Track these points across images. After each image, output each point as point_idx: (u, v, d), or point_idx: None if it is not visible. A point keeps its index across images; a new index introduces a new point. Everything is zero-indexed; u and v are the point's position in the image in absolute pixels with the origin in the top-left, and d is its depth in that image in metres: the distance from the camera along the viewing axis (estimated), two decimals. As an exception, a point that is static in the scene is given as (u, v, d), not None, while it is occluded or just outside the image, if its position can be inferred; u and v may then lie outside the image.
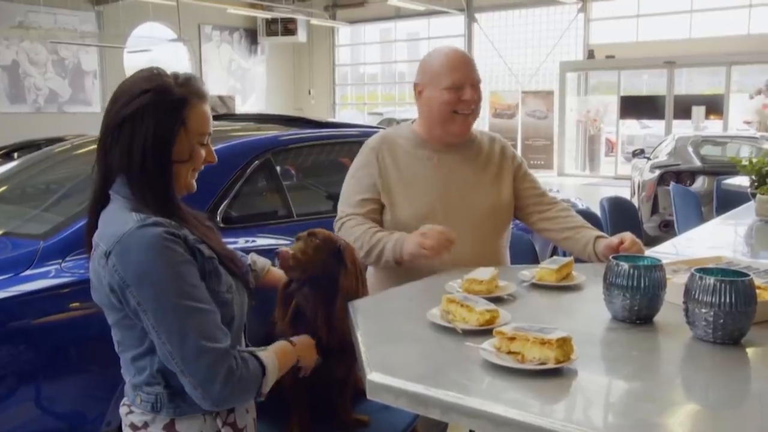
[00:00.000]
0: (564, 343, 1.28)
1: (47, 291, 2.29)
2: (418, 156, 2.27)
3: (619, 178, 14.52)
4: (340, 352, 1.73)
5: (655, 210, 7.41)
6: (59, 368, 2.25)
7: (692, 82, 16.15)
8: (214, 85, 18.05)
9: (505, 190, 2.31)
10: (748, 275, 1.44)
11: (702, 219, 4.95)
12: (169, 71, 1.50)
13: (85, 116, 15.61)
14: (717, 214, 4.99)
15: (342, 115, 20.02)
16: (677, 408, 1.20)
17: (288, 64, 20.01)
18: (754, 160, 3.49)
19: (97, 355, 2.34)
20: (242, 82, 19.03)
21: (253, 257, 1.88)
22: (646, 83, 17.08)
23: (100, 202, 1.47)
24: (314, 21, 18.47)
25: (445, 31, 18.49)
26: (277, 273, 1.88)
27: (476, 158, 2.31)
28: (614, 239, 2.11)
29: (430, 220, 2.16)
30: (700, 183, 7.08)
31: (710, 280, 1.41)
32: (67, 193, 3.10)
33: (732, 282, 1.40)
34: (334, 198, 3.66)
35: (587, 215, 3.72)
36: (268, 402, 1.58)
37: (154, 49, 16.34)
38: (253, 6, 17.15)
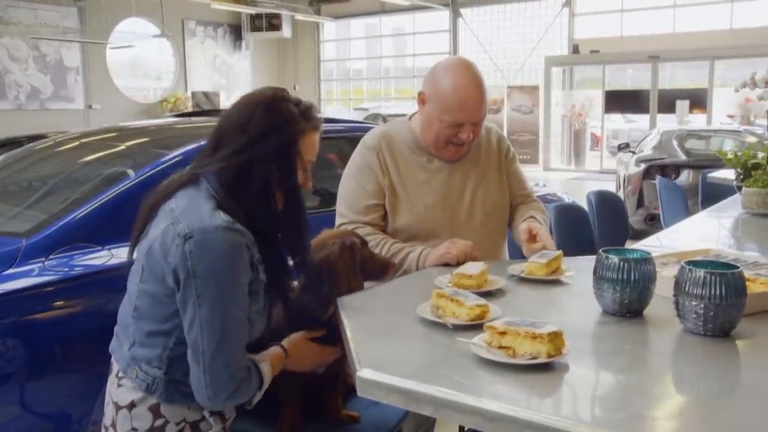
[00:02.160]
0: (555, 338, 1.27)
1: (30, 290, 2.26)
2: (416, 158, 2.20)
3: (605, 172, 14.57)
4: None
5: (640, 203, 7.45)
6: (43, 368, 2.23)
7: (675, 77, 16.23)
8: (199, 81, 17.91)
9: (506, 187, 2.30)
10: (738, 267, 1.43)
11: (688, 212, 4.98)
12: (290, 95, 1.56)
13: (67, 113, 15.44)
14: (702, 207, 5.03)
15: (328, 111, 19.92)
16: (670, 401, 1.20)
17: (273, 60, 19.89)
18: (739, 154, 3.51)
19: (82, 353, 2.32)
20: (227, 78, 18.89)
21: None
22: (631, 78, 17.16)
23: (188, 184, 1.51)
24: (299, 16, 18.37)
25: (430, 26, 18.46)
26: None
27: (477, 157, 2.26)
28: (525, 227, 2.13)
29: (431, 225, 2.14)
30: (685, 176, 7.13)
31: (700, 272, 1.41)
32: (49, 190, 3.06)
33: (722, 274, 1.40)
34: (322, 194, 3.66)
35: (574, 209, 3.73)
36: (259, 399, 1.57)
37: (137, 44, 16.19)
38: (237, 1, 17.02)
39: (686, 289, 1.42)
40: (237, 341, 1.44)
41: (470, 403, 1.13)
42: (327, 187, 3.73)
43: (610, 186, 9.16)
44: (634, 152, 8.41)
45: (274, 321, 1.76)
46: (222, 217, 1.42)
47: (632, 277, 1.52)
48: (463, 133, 2.11)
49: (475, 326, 1.45)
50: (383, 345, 1.43)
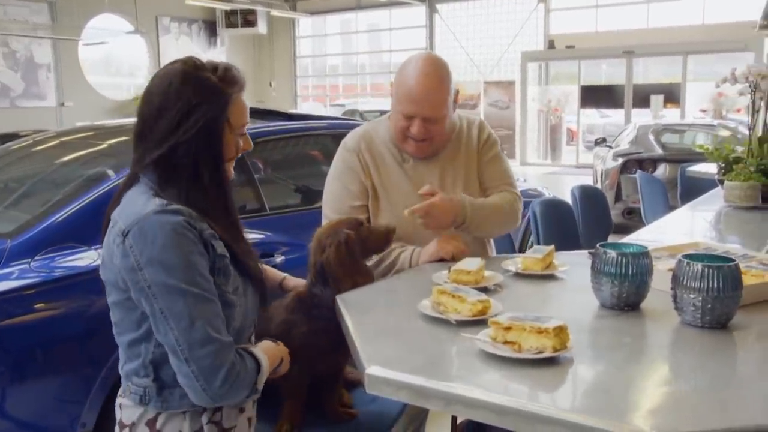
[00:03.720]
0: (560, 332, 1.28)
1: (16, 291, 2.22)
2: (395, 158, 2.18)
3: (581, 167, 14.71)
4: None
5: (618, 197, 7.53)
6: (31, 371, 2.19)
7: (648, 72, 16.41)
8: (173, 77, 17.68)
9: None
10: (734, 260, 1.46)
11: (668, 206, 5.05)
12: (204, 60, 1.45)
13: (39, 111, 15.18)
14: (681, 201, 5.11)
15: (304, 107, 19.83)
16: (674, 392, 1.22)
17: (248, 56, 19.74)
18: (719, 148, 3.56)
19: (69, 355, 2.29)
20: None
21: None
22: (605, 73, 17.33)
23: (131, 185, 1.45)
24: (274, 12, 18.25)
25: (406, 22, 18.46)
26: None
27: (455, 154, 2.21)
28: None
29: (412, 229, 2.08)
30: (662, 170, 7.22)
31: (698, 266, 1.44)
32: (31, 191, 3.02)
33: (719, 267, 1.43)
34: (306, 191, 3.65)
35: (559, 204, 3.77)
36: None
37: (110, 41, 15.97)
38: (211, -3, 16.86)
39: (684, 282, 1.45)
40: (209, 318, 1.33)
41: (481, 397, 1.14)
42: (309, 185, 3.73)
43: (587, 180, 9.25)
44: (611, 147, 8.50)
45: (281, 315, 1.76)
46: (155, 203, 1.36)
47: (630, 272, 1.54)
48: (414, 128, 2.07)
49: (476, 322, 1.46)
50: (387, 342, 1.44)
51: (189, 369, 1.32)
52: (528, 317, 1.32)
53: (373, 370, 1.24)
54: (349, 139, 2.24)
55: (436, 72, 2.07)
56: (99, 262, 2.32)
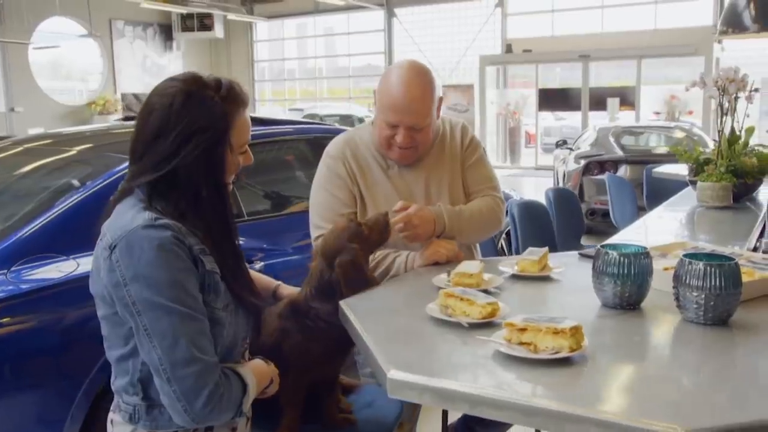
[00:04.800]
0: (576, 332, 1.30)
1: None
2: (380, 165, 2.17)
3: (540, 169, 14.95)
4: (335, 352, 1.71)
5: (581, 199, 7.66)
6: (10, 384, 2.12)
7: (601, 75, 16.75)
8: (128, 82, 17.36)
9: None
10: (733, 259, 1.50)
11: (637, 206, 5.16)
12: (205, 76, 1.41)
13: (-12, 116, 14.74)
14: (648, 201, 5.23)
15: (262, 112, 19.68)
16: (693, 388, 1.25)
17: (205, 61, 19.48)
18: (685, 149, 3.66)
19: (50, 369, 2.23)
20: (158, 79, 17.57)
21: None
22: (560, 76, 17.64)
23: (123, 197, 1.42)
24: (231, 16, 18.08)
25: (364, 26, 18.49)
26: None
27: (438, 159, 2.20)
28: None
29: (397, 237, 2.05)
30: (623, 171, 7.38)
31: (700, 264, 1.47)
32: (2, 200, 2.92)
33: (721, 266, 1.47)
34: (283, 197, 3.62)
35: (535, 206, 3.82)
36: (256, 404, 1.54)
37: (62, 44, 15.58)
38: (167, 0, 16.58)
39: (686, 280, 1.48)
40: (194, 337, 1.30)
41: (508, 399, 1.14)
42: (285, 190, 3.70)
43: (547, 182, 9.42)
44: (571, 149, 8.65)
45: (274, 322, 1.74)
46: (144, 217, 1.33)
47: (632, 271, 1.57)
48: (399, 136, 2.07)
49: (486, 324, 1.47)
50: (401, 346, 1.43)
51: (170, 389, 1.30)
52: (542, 318, 1.33)
53: (394, 374, 1.23)
54: (333, 147, 2.22)
55: (419, 81, 2.06)
56: (79, 271, 2.30)
